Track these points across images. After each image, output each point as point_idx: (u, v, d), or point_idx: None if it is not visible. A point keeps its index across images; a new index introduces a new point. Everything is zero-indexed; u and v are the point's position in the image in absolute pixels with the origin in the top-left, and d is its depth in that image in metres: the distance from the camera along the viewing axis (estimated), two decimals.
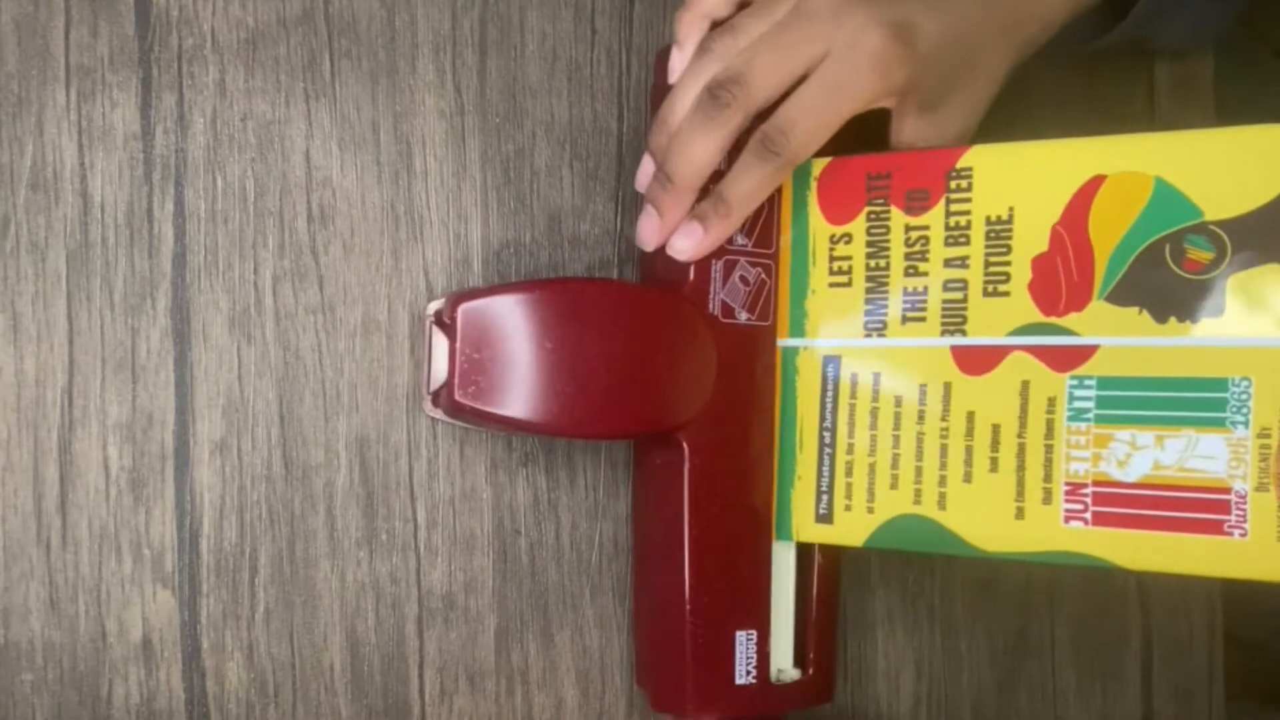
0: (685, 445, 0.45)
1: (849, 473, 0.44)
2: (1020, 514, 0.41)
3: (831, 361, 0.45)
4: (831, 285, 0.45)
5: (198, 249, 0.46)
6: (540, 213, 0.49)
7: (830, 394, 0.45)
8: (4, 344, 0.44)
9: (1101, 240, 0.40)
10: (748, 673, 0.45)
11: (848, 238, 0.44)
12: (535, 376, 0.42)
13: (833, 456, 0.45)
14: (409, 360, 0.48)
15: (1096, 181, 0.40)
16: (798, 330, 0.46)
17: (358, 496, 0.47)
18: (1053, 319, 0.40)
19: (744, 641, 0.45)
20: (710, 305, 0.45)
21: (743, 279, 0.45)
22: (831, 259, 0.45)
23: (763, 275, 0.46)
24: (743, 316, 0.45)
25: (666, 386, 0.44)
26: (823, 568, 0.47)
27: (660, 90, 0.46)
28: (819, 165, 0.45)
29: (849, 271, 0.44)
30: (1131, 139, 0.39)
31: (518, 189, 0.49)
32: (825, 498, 0.45)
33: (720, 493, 0.45)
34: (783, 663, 0.46)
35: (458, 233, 0.48)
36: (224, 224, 0.46)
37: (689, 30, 0.44)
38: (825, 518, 0.45)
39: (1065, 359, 0.40)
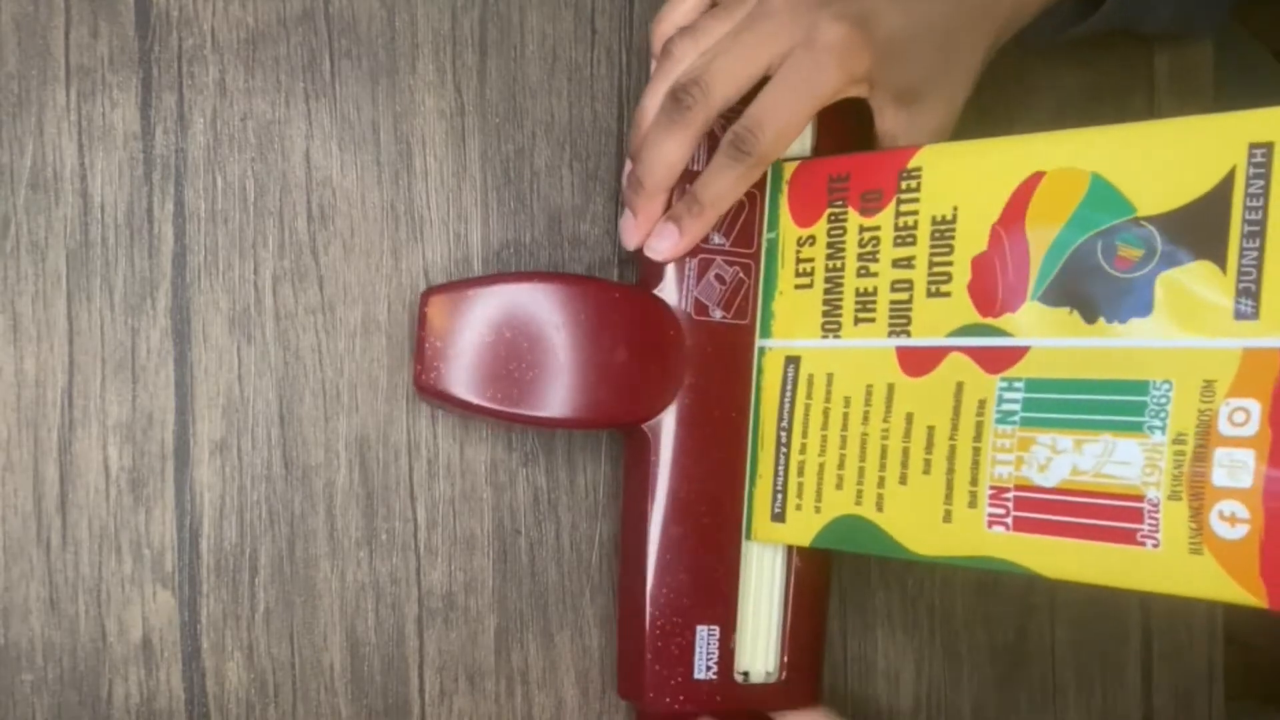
0: (650, 438, 0.45)
1: (800, 472, 0.44)
2: (948, 517, 0.40)
3: (792, 362, 0.45)
4: (797, 287, 0.45)
5: (198, 249, 0.46)
6: (540, 213, 0.49)
7: (789, 394, 0.45)
8: (4, 344, 0.44)
9: (1038, 238, 0.39)
10: (708, 668, 0.45)
11: (811, 239, 0.44)
12: (494, 364, 0.43)
13: (787, 456, 0.45)
14: (409, 360, 0.48)
15: (1035, 179, 0.39)
16: (765, 331, 0.46)
17: (358, 496, 0.47)
18: (989, 320, 0.40)
19: (705, 636, 0.45)
20: (682, 302, 0.45)
21: (719, 277, 0.46)
22: (797, 261, 0.45)
23: (740, 274, 0.46)
24: (717, 314, 0.46)
25: (628, 379, 0.45)
26: (800, 571, 0.47)
27: None
28: (789, 168, 0.45)
29: (811, 273, 0.45)
30: (1069, 134, 0.39)
31: (518, 189, 0.49)
32: (780, 497, 0.45)
33: (685, 487, 0.45)
34: (758, 664, 0.47)
35: (458, 233, 0.48)
36: (224, 224, 0.46)
37: (661, 43, 0.45)
38: (779, 516, 0.45)
39: (997, 360, 0.40)
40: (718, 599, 0.46)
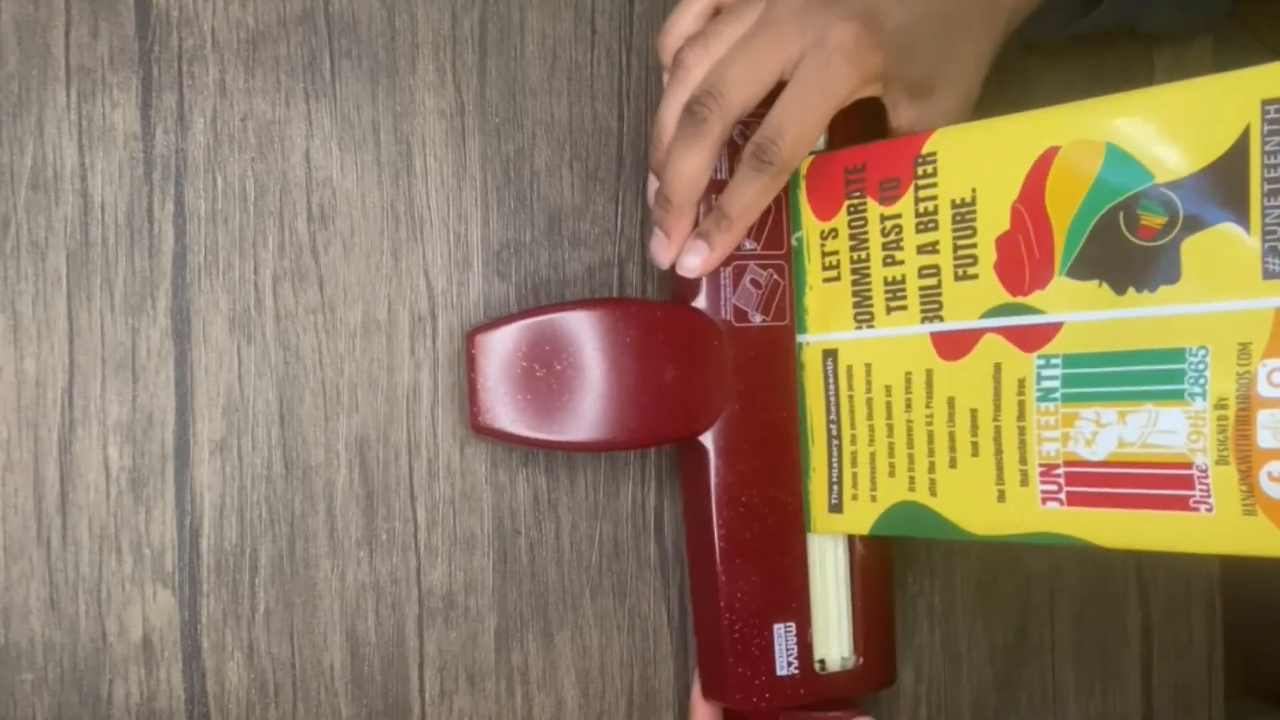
0: (709, 449, 0.46)
1: (854, 462, 0.45)
2: (1001, 497, 0.41)
3: (830, 355, 0.45)
4: (825, 280, 0.45)
5: (198, 249, 0.46)
6: (540, 213, 0.49)
7: (832, 387, 0.45)
8: (4, 344, 0.44)
9: (1059, 213, 0.39)
10: (789, 664, 0.46)
11: (834, 232, 0.45)
12: (547, 396, 0.44)
13: (839, 448, 0.45)
14: (409, 360, 0.48)
15: (1050, 154, 0.39)
16: (801, 327, 0.47)
17: (358, 496, 0.47)
18: (1019, 298, 0.40)
19: (782, 634, 0.46)
20: (722, 311, 0.46)
21: (754, 282, 0.46)
22: (823, 255, 0.45)
23: (775, 276, 0.46)
24: (757, 319, 0.46)
25: (678, 395, 0.45)
26: (863, 556, 0.48)
27: None
28: (805, 163, 0.46)
29: (838, 266, 0.45)
30: (1081, 105, 0.39)
31: (518, 189, 0.49)
32: (835, 488, 0.46)
33: (746, 491, 0.46)
34: (833, 652, 0.47)
35: (458, 233, 0.48)
36: (224, 224, 0.46)
37: (669, 56, 0.45)
38: (836, 508, 0.46)
39: (1032, 338, 0.40)
40: (790, 596, 0.46)
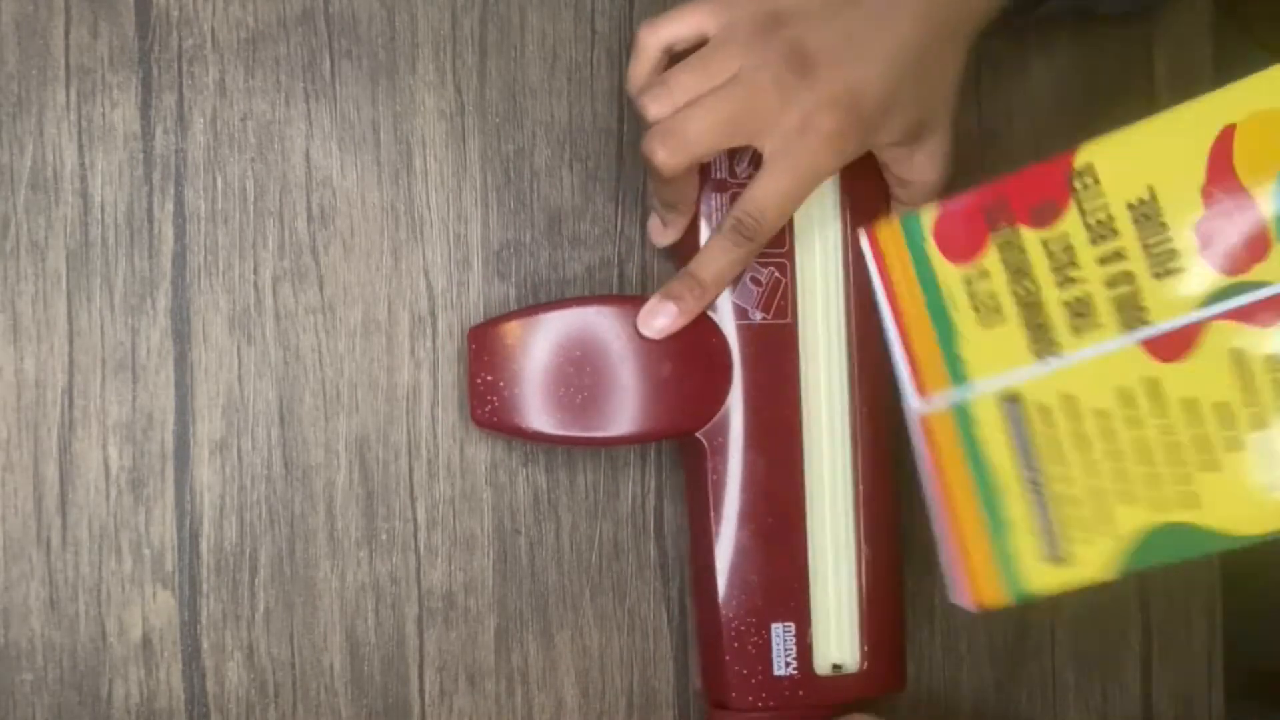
0: (705, 445, 0.46)
1: (1073, 504, 0.41)
2: (1276, 485, 0.37)
3: (1011, 400, 0.42)
4: (982, 325, 0.42)
5: (198, 249, 0.46)
6: (540, 213, 0.49)
7: (1022, 433, 0.42)
8: (4, 344, 0.44)
9: (1258, 184, 0.37)
10: (787, 664, 0.46)
11: (984, 273, 0.42)
12: (546, 391, 0.45)
13: (1043, 494, 0.41)
14: (409, 360, 0.48)
15: (1228, 132, 0.37)
16: (959, 378, 0.43)
17: (358, 496, 0.47)
18: (1239, 277, 0.37)
19: (780, 634, 0.46)
20: (721, 308, 0.46)
21: (754, 280, 0.46)
22: (973, 299, 0.42)
23: (776, 274, 0.46)
24: (757, 316, 0.46)
25: (676, 391, 0.46)
26: (870, 558, 0.47)
27: None
28: (929, 217, 0.43)
29: (997, 306, 0.42)
30: (1243, 84, 0.37)
31: (518, 189, 0.49)
32: (1050, 538, 0.41)
33: (744, 489, 0.46)
34: (835, 655, 0.47)
35: (458, 233, 0.48)
36: (224, 224, 0.46)
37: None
38: (1058, 558, 0.41)
39: (1268, 313, 0.37)
40: (789, 596, 0.46)
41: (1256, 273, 0.37)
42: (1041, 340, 0.41)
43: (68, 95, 0.44)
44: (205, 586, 0.46)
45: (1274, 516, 0.38)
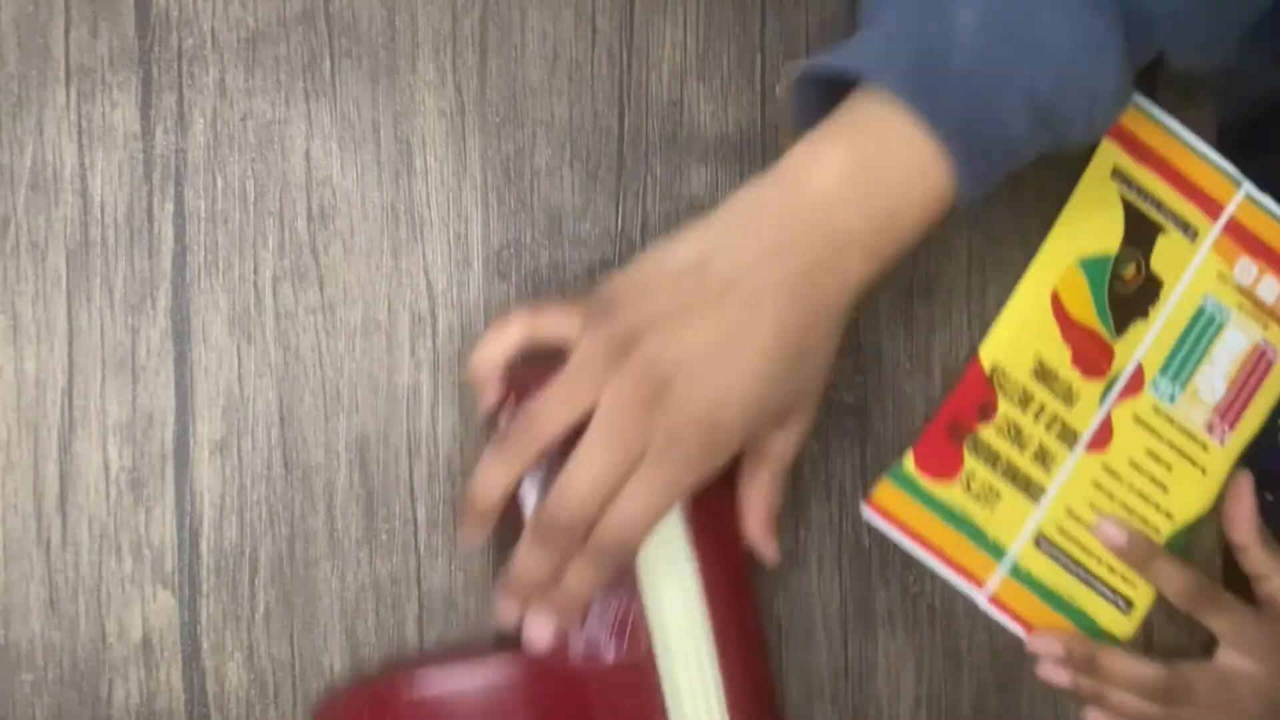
0: None
1: (1108, 569, 0.52)
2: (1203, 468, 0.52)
3: (1038, 540, 0.51)
4: (990, 509, 0.51)
5: (198, 249, 0.46)
6: (540, 213, 0.49)
7: (1057, 555, 0.52)
8: (4, 344, 0.44)
9: (1084, 316, 0.51)
10: None
11: (971, 474, 0.51)
12: None
13: (1093, 578, 0.52)
14: (409, 360, 0.48)
15: (1055, 295, 0.51)
16: (998, 554, 0.52)
17: (358, 496, 0.47)
18: (1109, 372, 0.51)
19: None
20: (572, 653, 0.43)
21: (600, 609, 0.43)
22: (974, 496, 0.51)
23: (626, 599, 0.43)
24: (611, 651, 0.43)
25: None
26: (721, 636, 0.44)
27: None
28: (908, 462, 0.50)
29: (992, 490, 0.51)
30: (1041, 259, 0.51)
31: (518, 189, 0.49)
32: (1116, 600, 0.52)
33: None
34: None
35: (458, 232, 0.48)
36: (224, 224, 0.46)
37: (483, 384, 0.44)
38: (1128, 610, 0.53)
39: (1135, 381, 0.52)
40: None
41: (1116, 364, 0.51)
42: (1030, 490, 0.51)
43: (68, 95, 0.44)
44: (205, 587, 0.46)
45: (1208, 495, 0.52)
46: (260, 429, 0.46)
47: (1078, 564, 0.52)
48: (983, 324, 0.51)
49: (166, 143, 0.45)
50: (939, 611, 0.52)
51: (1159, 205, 0.51)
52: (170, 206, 0.45)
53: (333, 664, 0.47)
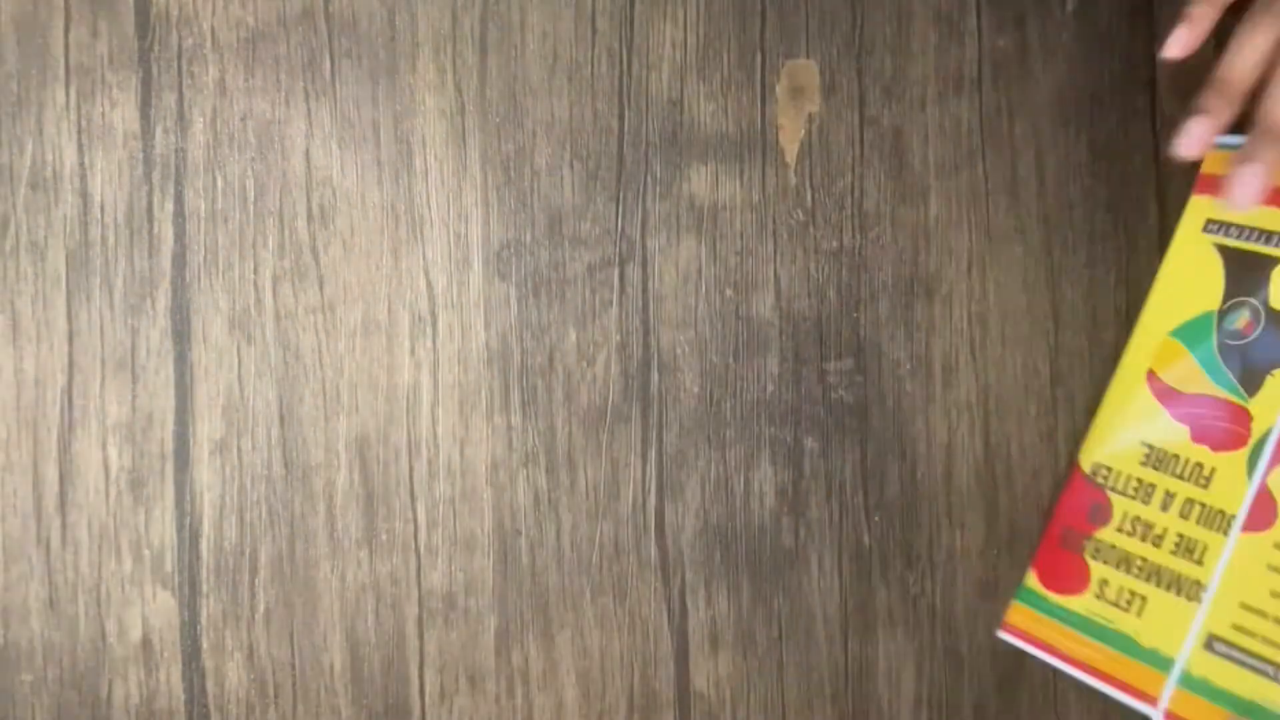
0: None
1: None
2: None
3: (1210, 642, 0.46)
4: (1139, 616, 0.46)
5: (198, 249, 0.46)
6: (540, 212, 0.49)
7: (1235, 655, 0.45)
8: (4, 344, 0.44)
9: (1191, 384, 0.47)
10: None
11: (1104, 582, 0.47)
12: None
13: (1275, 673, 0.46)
14: (409, 360, 0.48)
15: (1151, 374, 0.47)
16: (1164, 666, 0.46)
17: (358, 496, 0.47)
18: (1253, 439, 0.45)
19: None
20: None
21: None
22: (1116, 605, 0.47)
23: None
24: None
25: None
26: None
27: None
28: (1032, 581, 0.48)
29: (1136, 594, 0.47)
30: (1135, 337, 0.47)
31: (518, 188, 0.49)
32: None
33: None
34: None
35: (458, 232, 0.48)
36: (224, 224, 0.46)
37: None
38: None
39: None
40: None
41: (1257, 427, 0.45)
42: (1184, 587, 0.45)
43: (67, 95, 0.44)
44: (205, 587, 0.46)
45: None
46: (260, 429, 0.46)
47: (1265, 660, 0.45)
48: (983, 324, 0.51)
49: (166, 142, 0.45)
50: (939, 611, 0.52)
51: (1268, 236, 0.45)
52: (170, 206, 0.45)
53: (333, 664, 0.47)
